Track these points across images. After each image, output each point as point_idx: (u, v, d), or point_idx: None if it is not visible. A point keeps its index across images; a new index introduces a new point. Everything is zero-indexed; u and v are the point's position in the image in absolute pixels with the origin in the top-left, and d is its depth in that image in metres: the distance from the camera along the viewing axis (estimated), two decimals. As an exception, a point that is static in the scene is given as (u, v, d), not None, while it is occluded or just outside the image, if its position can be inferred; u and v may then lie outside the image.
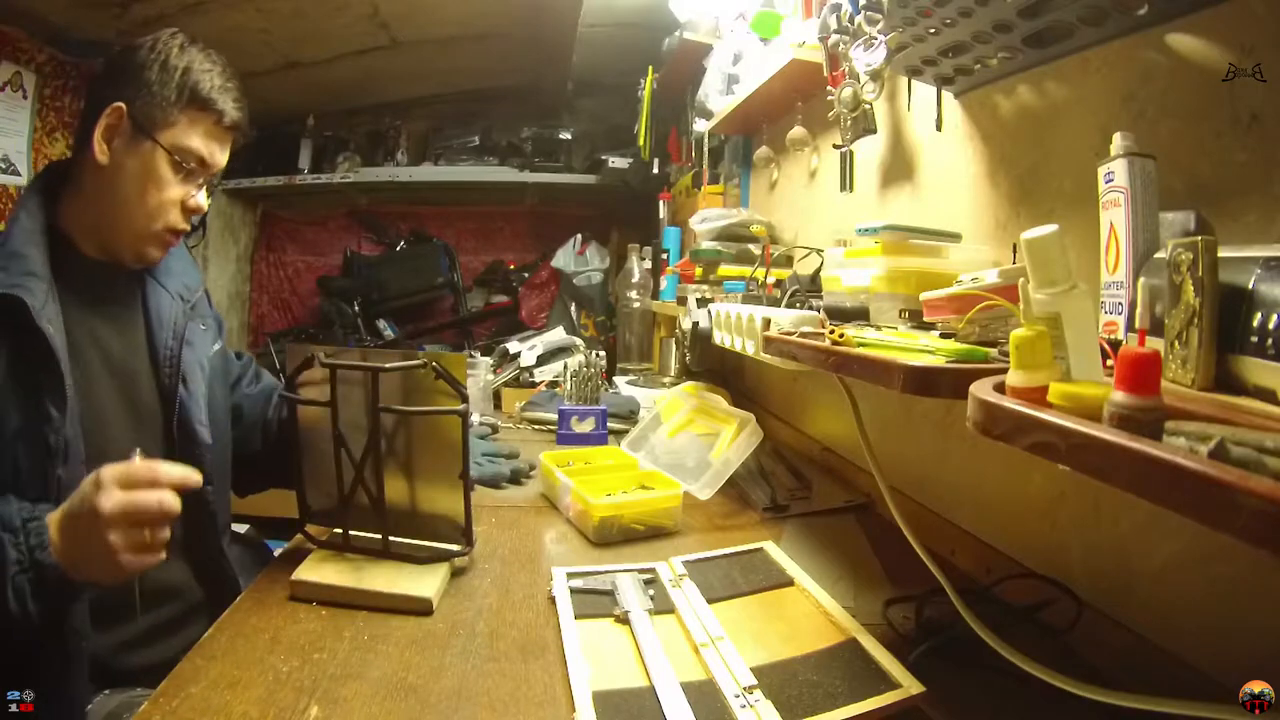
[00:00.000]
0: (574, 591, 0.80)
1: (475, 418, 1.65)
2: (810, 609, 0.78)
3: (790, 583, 0.84)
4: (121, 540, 0.66)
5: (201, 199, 0.87)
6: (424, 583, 0.78)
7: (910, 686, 0.61)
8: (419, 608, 0.76)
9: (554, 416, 1.59)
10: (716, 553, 0.92)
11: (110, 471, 0.67)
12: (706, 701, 0.61)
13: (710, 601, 0.78)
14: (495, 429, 1.61)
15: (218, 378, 0.98)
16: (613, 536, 0.99)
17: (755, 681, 0.62)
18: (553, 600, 0.79)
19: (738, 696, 0.60)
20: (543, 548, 0.97)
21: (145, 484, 0.67)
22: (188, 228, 0.88)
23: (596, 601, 0.78)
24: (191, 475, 0.70)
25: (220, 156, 0.87)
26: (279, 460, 0.95)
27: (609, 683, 0.64)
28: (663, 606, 0.78)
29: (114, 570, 0.67)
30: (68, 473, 0.74)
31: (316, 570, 0.80)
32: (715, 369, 1.74)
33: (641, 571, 0.85)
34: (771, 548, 0.94)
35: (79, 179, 0.84)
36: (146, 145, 0.82)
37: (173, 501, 0.68)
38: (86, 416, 0.78)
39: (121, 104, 0.81)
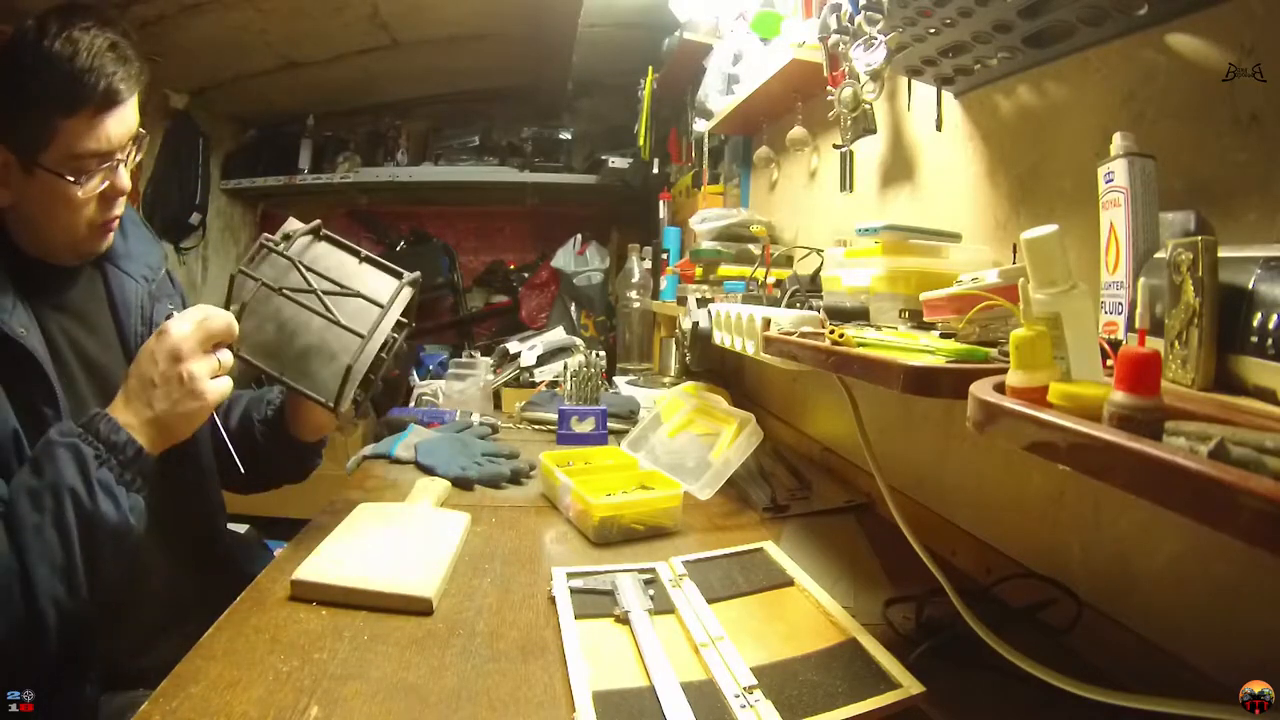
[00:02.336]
0: (574, 591, 0.80)
1: (475, 417, 1.65)
2: (810, 609, 0.78)
3: (790, 583, 0.84)
4: (202, 367, 0.74)
5: (122, 180, 0.80)
6: (425, 582, 0.79)
7: (910, 686, 0.61)
8: (419, 608, 0.76)
9: (554, 416, 1.59)
10: (716, 553, 0.92)
11: (166, 323, 0.75)
12: (706, 701, 0.61)
13: (710, 601, 0.78)
14: (495, 429, 1.61)
15: None
16: (613, 536, 0.99)
17: (755, 681, 0.62)
18: (553, 600, 0.79)
19: (738, 696, 0.60)
20: (543, 548, 0.97)
21: (197, 313, 0.76)
22: (118, 213, 0.83)
23: (597, 601, 0.78)
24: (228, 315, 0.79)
25: (125, 128, 0.78)
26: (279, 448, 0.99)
27: (609, 683, 0.64)
28: (663, 606, 0.78)
29: (198, 404, 0.74)
30: None
31: (317, 570, 0.80)
32: (715, 369, 1.74)
33: (641, 571, 0.85)
34: (771, 548, 0.94)
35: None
36: (36, 173, 0.75)
37: (233, 319, 0.78)
38: (73, 416, 0.77)
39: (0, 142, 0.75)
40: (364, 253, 0.94)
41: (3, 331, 0.72)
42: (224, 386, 0.77)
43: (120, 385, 0.82)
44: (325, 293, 0.86)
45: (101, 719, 0.78)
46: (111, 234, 0.86)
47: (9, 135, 0.75)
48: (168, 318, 0.78)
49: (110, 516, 0.68)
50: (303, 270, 0.87)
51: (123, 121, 0.79)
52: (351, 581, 0.78)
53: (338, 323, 0.85)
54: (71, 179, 0.76)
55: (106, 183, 0.79)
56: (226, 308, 0.82)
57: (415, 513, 1.01)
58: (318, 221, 0.92)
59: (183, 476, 0.91)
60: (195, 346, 0.74)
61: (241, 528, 1.28)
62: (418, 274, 0.94)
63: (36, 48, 0.73)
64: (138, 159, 0.84)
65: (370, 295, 0.88)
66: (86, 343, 0.85)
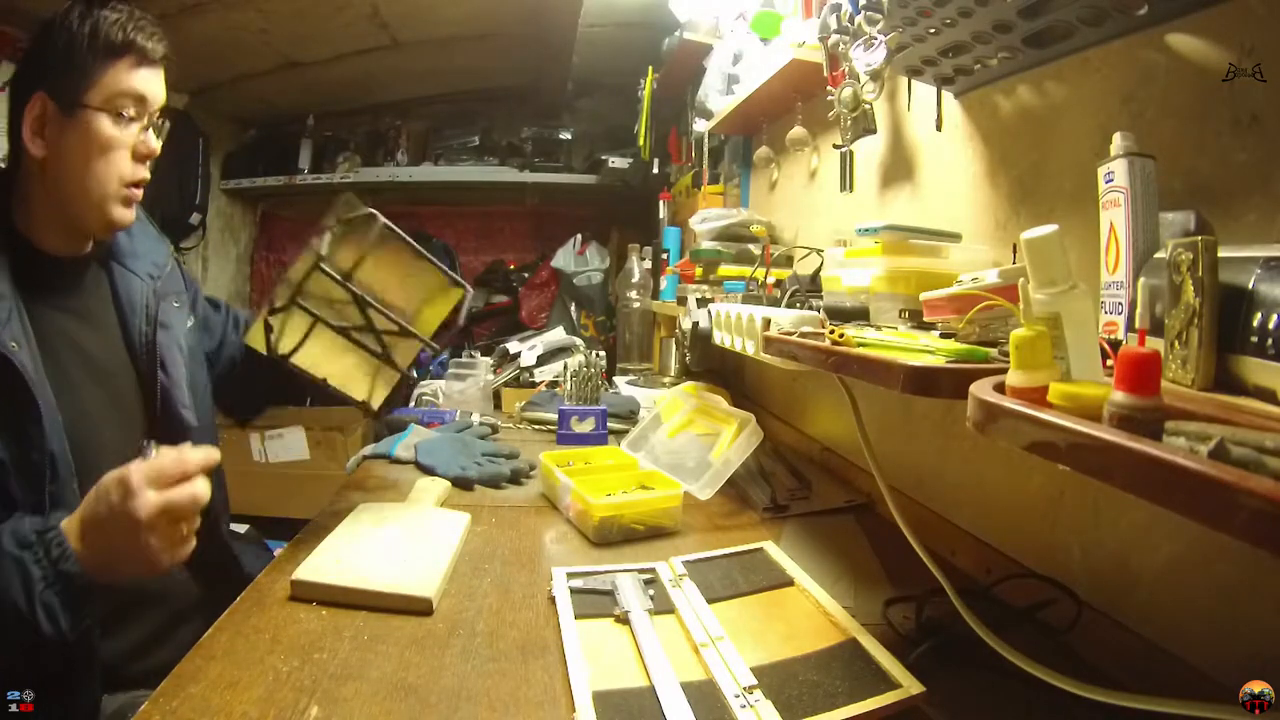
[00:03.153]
0: (574, 591, 0.80)
1: (475, 417, 1.65)
2: (810, 609, 0.78)
3: (790, 583, 0.84)
4: (160, 541, 0.66)
5: (152, 141, 0.85)
6: (424, 582, 0.79)
7: (910, 686, 0.61)
8: (419, 607, 0.76)
9: (554, 416, 1.59)
10: (716, 553, 0.92)
11: (138, 474, 0.66)
12: (706, 701, 0.61)
13: (710, 601, 0.78)
14: (495, 429, 1.61)
15: (196, 357, 0.98)
16: (613, 536, 0.99)
17: (755, 681, 0.62)
18: (553, 600, 0.79)
19: (738, 696, 0.60)
20: (543, 548, 0.97)
21: (176, 479, 0.67)
22: (147, 175, 0.86)
23: (597, 601, 0.78)
24: (212, 453, 0.70)
25: (157, 89, 0.84)
26: (276, 377, 0.98)
27: (609, 683, 0.64)
28: (663, 606, 0.78)
29: (150, 569, 0.67)
30: (57, 487, 0.73)
31: (317, 570, 0.80)
32: (715, 369, 1.74)
33: (641, 571, 0.85)
34: (771, 548, 0.94)
35: (25, 182, 0.82)
36: (78, 114, 0.80)
37: (204, 490, 0.68)
38: (74, 424, 0.77)
39: (40, 91, 0.80)
40: (420, 250, 0.98)
41: None
42: (182, 554, 0.70)
43: (122, 386, 0.83)
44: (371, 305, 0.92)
45: None
46: (134, 206, 0.86)
47: (52, 83, 0.80)
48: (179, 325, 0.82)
49: (46, 632, 0.65)
50: (357, 293, 0.93)
51: (156, 81, 0.84)
52: (351, 581, 0.78)
53: (377, 353, 0.88)
54: (110, 115, 0.80)
55: (137, 134, 0.83)
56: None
57: (415, 513, 1.01)
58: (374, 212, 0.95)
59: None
60: (158, 522, 0.66)
61: (242, 528, 1.29)
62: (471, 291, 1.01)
63: (85, 8, 0.81)
64: (162, 138, 0.87)
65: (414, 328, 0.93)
66: (89, 343, 0.85)
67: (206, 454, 0.69)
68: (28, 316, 0.77)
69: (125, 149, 0.82)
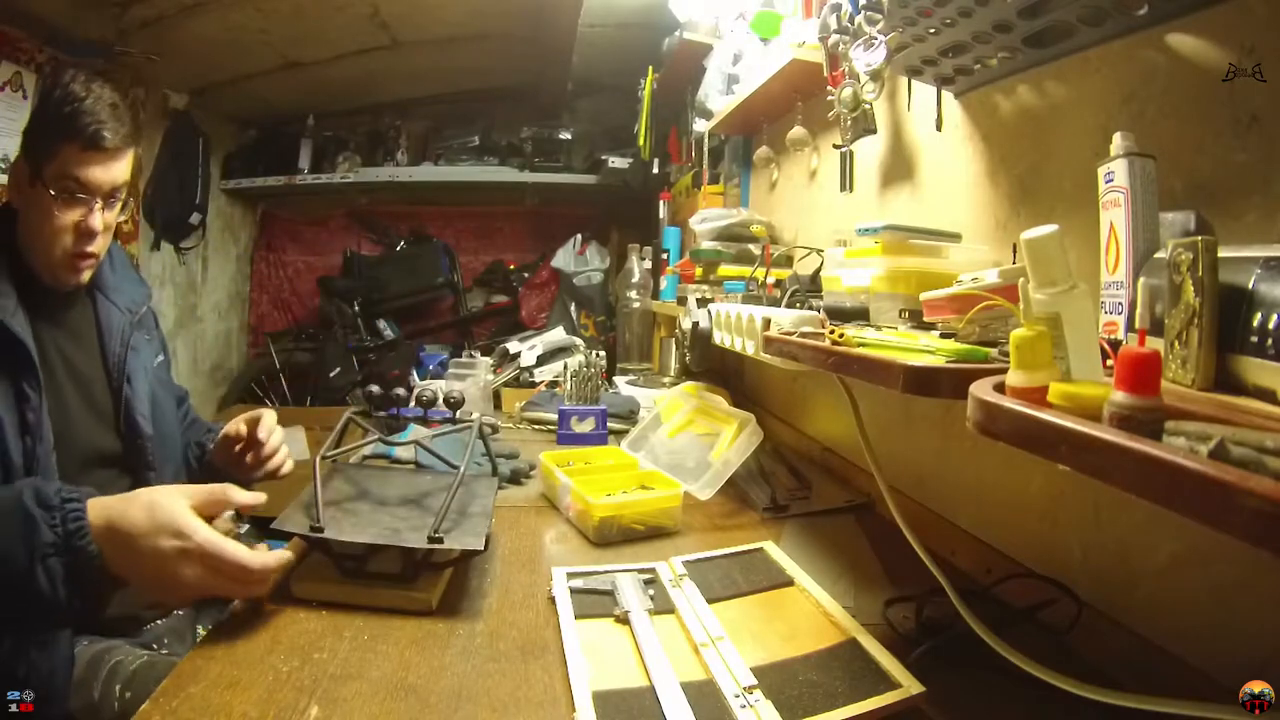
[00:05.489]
0: (574, 591, 0.80)
1: (475, 417, 1.65)
2: (810, 609, 0.78)
3: (790, 583, 0.84)
4: (193, 575, 0.68)
5: (95, 221, 0.89)
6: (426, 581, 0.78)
7: (910, 686, 0.61)
8: (419, 607, 0.76)
9: (554, 416, 1.59)
10: (716, 553, 0.92)
11: (201, 543, 0.67)
12: (706, 702, 0.61)
13: (710, 601, 0.78)
14: (495, 429, 1.61)
15: (161, 385, 1.07)
16: (613, 536, 0.99)
17: (755, 681, 0.62)
18: (553, 600, 0.79)
19: (737, 696, 0.60)
20: (543, 548, 0.97)
21: (229, 577, 0.69)
22: (92, 251, 0.91)
23: (597, 601, 0.78)
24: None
25: (105, 176, 0.89)
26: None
27: (609, 683, 0.64)
28: (663, 606, 0.78)
29: (173, 597, 0.74)
30: (41, 453, 0.81)
31: (316, 583, 0.79)
32: (715, 369, 1.74)
33: (641, 571, 0.85)
34: (771, 548, 0.94)
35: (13, 220, 0.91)
36: (36, 184, 0.87)
37: (248, 590, 0.72)
38: (53, 412, 0.86)
39: (21, 153, 0.89)
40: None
41: (2, 322, 0.81)
42: (199, 593, 0.72)
43: (96, 394, 0.93)
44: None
45: (82, 665, 0.83)
46: (86, 271, 0.92)
47: (27, 146, 0.89)
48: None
49: (45, 592, 0.66)
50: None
51: (106, 169, 0.89)
52: (350, 598, 0.77)
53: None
54: (53, 194, 0.86)
55: (80, 213, 0.88)
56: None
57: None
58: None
59: (192, 478, 0.95)
60: (195, 588, 0.69)
61: (242, 528, 1.28)
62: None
63: (64, 84, 0.87)
64: (120, 214, 0.94)
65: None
66: (74, 356, 0.94)
67: (268, 560, 0.71)
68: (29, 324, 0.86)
69: (67, 224, 0.88)
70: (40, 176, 0.86)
